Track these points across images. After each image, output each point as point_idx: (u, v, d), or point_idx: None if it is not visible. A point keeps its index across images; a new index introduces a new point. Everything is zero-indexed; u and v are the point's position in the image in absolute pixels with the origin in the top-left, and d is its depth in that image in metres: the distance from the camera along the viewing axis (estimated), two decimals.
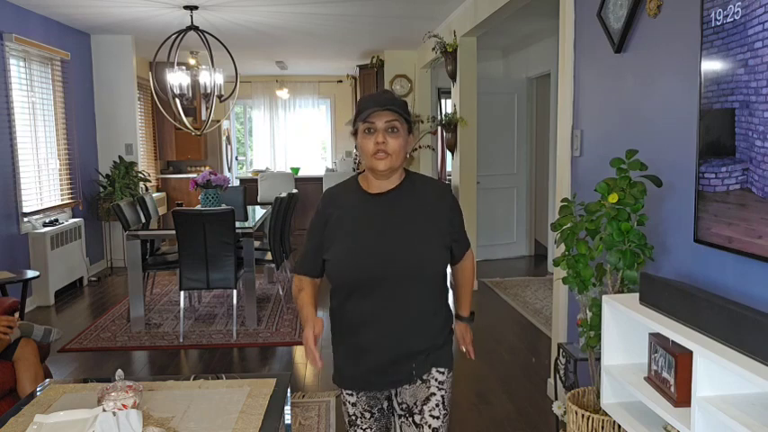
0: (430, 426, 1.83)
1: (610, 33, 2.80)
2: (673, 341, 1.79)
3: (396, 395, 1.91)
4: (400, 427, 1.92)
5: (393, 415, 1.97)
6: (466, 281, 2.05)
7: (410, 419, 1.86)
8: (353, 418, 1.95)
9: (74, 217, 6.50)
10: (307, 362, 4.25)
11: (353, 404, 1.94)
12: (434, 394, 1.85)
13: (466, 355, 2.06)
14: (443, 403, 1.86)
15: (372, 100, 1.75)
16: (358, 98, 9.44)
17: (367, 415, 1.93)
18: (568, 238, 2.35)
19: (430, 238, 1.79)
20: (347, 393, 1.94)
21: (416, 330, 1.83)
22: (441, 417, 1.84)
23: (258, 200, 9.39)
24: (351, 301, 1.84)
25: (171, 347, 4.56)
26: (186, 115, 6.53)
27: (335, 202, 1.86)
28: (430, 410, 1.84)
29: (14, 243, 5.39)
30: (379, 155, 1.72)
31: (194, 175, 6.38)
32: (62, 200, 6.35)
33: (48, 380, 2.44)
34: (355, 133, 1.80)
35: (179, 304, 4.95)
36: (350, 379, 1.91)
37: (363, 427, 1.94)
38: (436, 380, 1.86)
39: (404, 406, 1.88)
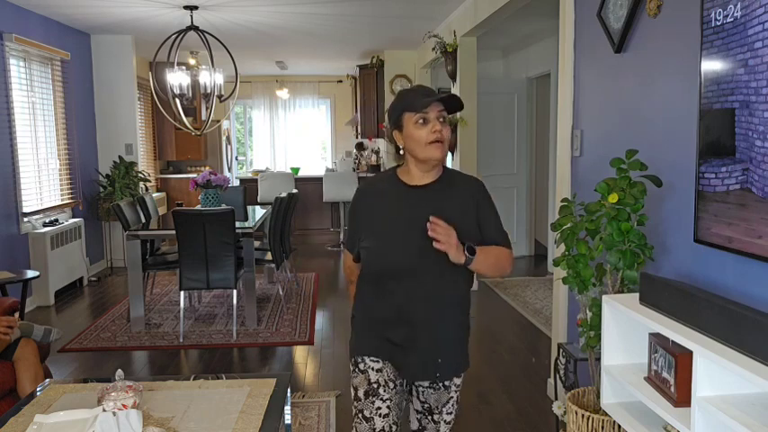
0: (446, 421, 1.99)
1: (610, 33, 2.80)
2: (673, 341, 1.79)
3: (418, 393, 1.99)
4: (419, 420, 2.00)
5: (409, 402, 2.03)
6: (499, 256, 1.91)
7: (430, 417, 1.99)
8: (375, 385, 1.88)
9: (74, 217, 6.50)
10: (307, 362, 4.25)
11: (378, 370, 1.89)
12: (452, 397, 2.00)
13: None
14: (456, 401, 2.02)
15: (421, 92, 1.84)
16: (359, 97, 9.43)
17: (391, 384, 1.90)
18: (568, 238, 2.35)
19: (465, 231, 1.83)
20: (372, 360, 1.89)
21: (443, 323, 1.89)
22: (453, 413, 2.02)
23: (258, 200, 9.38)
24: (381, 287, 1.88)
25: (171, 347, 4.56)
26: (186, 115, 6.53)
27: (374, 191, 1.96)
28: (447, 410, 1.99)
29: (14, 243, 5.39)
30: (437, 143, 1.80)
31: (194, 175, 6.38)
32: (62, 200, 6.35)
33: (48, 380, 2.44)
34: (399, 128, 1.85)
35: (179, 304, 4.95)
36: (378, 349, 1.90)
37: (384, 397, 1.88)
38: (456, 385, 1.99)
39: (426, 406, 1.99)
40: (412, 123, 1.81)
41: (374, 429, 1.87)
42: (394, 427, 1.91)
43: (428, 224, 1.75)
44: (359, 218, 1.94)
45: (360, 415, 1.90)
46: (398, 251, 1.84)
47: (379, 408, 1.88)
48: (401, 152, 1.90)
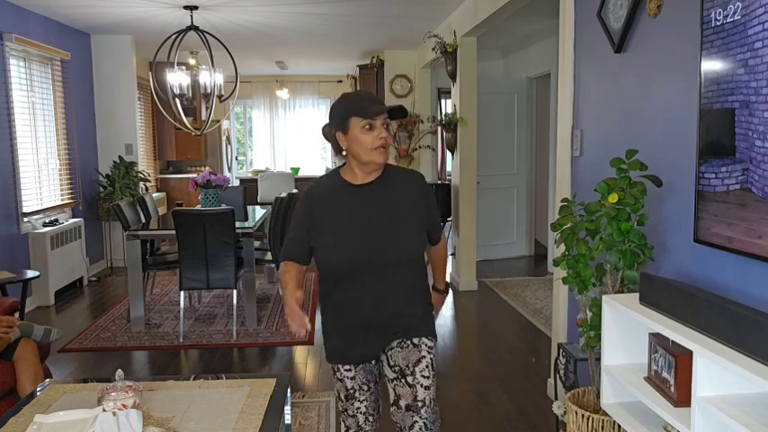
0: (422, 385, 1.98)
1: (610, 33, 2.80)
2: (673, 341, 1.79)
3: (387, 360, 2.04)
4: (394, 389, 2.03)
5: (384, 377, 2.11)
6: (440, 260, 2.29)
7: (403, 381, 2.00)
8: (352, 391, 2.11)
9: (74, 217, 6.50)
10: (307, 362, 4.25)
11: (352, 378, 2.10)
12: (425, 357, 2.01)
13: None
14: (431, 365, 2.03)
15: (368, 99, 1.93)
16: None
17: (365, 387, 2.12)
18: (568, 238, 2.35)
19: (411, 223, 1.98)
20: (345, 369, 2.09)
21: (403, 310, 2.02)
22: (430, 377, 2.01)
23: (258, 200, 9.39)
24: (340, 285, 2.00)
25: (171, 347, 4.56)
26: (186, 115, 6.53)
27: (321, 193, 2.02)
28: (421, 371, 2.00)
29: (14, 243, 5.39)
30: (381, 149, 1.91)
31: (194, 175, 6.38)
32: (62, 200, 6.35)
33: (48, 380, 2.44)
34: (344, 130, 1.93)
35: (179, 304, 4.95)
36: (347, 355, 2.08)
37: (361, 399, 2.12)
38: (426, 345, 2.04)
39: (396, 369, 2.02)
40: (359, 128, 1.90)
41: (358, 424, 2.14)
42: (375, 415, 2.16)
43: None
44: (309, 219, 2.00)
45: (345, 413, 2.16)
46: (354, 246, 1.94)
47: (359, 407, 2.13)
48: (343, 153, 1.98)
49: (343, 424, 2.18)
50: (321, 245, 1.98)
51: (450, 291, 2.25)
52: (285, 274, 2.06)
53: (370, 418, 2.15)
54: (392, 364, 2.03)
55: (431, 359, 2.03)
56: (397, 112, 1.92)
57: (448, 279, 2.27)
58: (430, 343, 2.05)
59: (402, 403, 1.99)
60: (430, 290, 2.19)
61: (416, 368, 1.99)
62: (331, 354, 2.12)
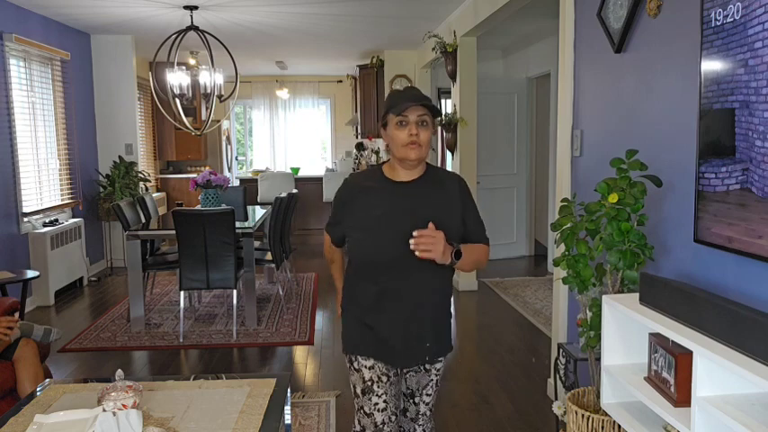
0: (425, 402, 2.14)
1: (610, 33, 2.80)
2: (673, 341, 1.79)
3: (405, 379, 2.12)
4: (402, 402, 2.16)
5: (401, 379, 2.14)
6: (479, 251, 2.05)
7: (411, 400, 2.15)
8: (370, 383, 2.00)
9: (74, 217, 6.50)
10: (307, 362, 4.25)
11: (370, 368, 2.01)
12: (432, 380, 2.12)
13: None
14: (436, 383, 2.15)
15: (406, 95, 1.93)
16: (359, 97, 9.45)
17: (384, 378, 2.01)
18: (568, 238, 2.35)
19: (447, 225, 1.92)
20: (363, 358, 2.02)
21: (426, 311, 2.00)
22: (433, 394, 2.14)
23: (258, 200, 9.39)
24: (369, 278, 1.99)
25: (171, 347, 4.56)
26: (186, 115, 6.53)
27: (361, 185, 2.03)
28: (426, 392, 2.13)
29: (14, 243, 5.39)
30: (412, 145, 1.89)
31: (194, 175, 6.38)
32: (62, 200, 6.35)
33: (48, 380, 2.44)
34: (385, 126, 1.96)
35: (179, 304, 4.95)
36: (366, 346, 2.02)
37: (380, 393, 2.00)
38: (436, 369, 2.12)
39: (409, 391, 2.14)
40: (393, 124, 1.92)
41: (375, 423, 2.00)
42: (393, 417, 2.03)
43: (411, 240, 1.81)
44: (346, 209, 2.02)
45: (361, 411, 2.04)
46: (386, 243, 1.93)
47: (377, 403, 2.00)
48: (386, 148, 2.01)
49: (357, 423, 2.05)
50: (354, 236, 1.99)
51: (480, 258, 2.07)
52: (332, 263, 2.22)
53: (392, 418, 2.01)
54: (407, 385, 2.14)
55: (437, 379, 2.14)
56: (433, 108, 1.92)
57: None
58: (439, 365, 2.13)
59: (408, 416, 2.18)
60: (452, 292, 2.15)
61: (424, 390, 2.13)
62: (348, 344, 2.06)
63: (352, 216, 1.99)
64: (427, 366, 2.10)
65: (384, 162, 2.06)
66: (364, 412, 2.01)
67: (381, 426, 1.99)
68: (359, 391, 2.03)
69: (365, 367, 2.01)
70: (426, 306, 2.00)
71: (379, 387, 1.99)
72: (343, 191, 2.05)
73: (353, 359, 2.04)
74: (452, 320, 2.21)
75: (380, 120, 1.99)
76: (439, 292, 2.03)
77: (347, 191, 2.04)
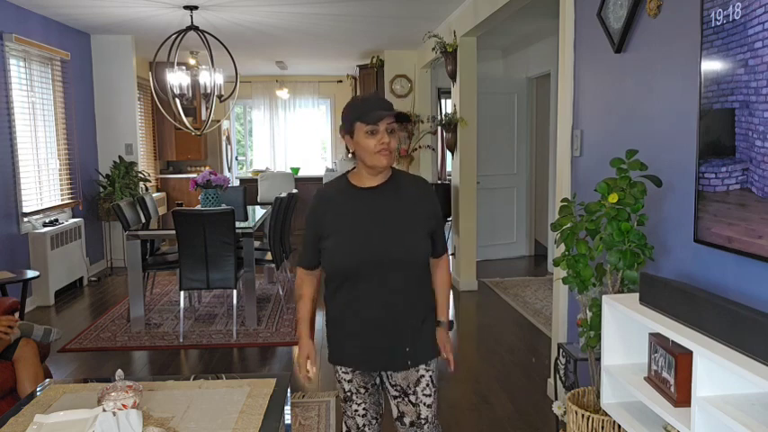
0: (425, 403, 2.06)
1: (610, 33, 2.80)
2: (673, 341, 1.79)
3: (388, 377, 2.09)
4: (397, 406, 2.12)
5: (385, 392, 2.15)
6: (444, 281, 2.17)
7: (406, 399, 2.08)
8: (349, 394, 2.11)
9: (74, 217, 6.50)
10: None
11: (349, 381, 2.10)
12: (423, 376, 2.06)
13: (447, 366, 2.13)
14: (432, 382, 2.08)
15: (374, 104, 1.94)
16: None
17: (362, 390, 2.11)
18: (568, 238, 2.35)
19: (415, 227, 1.99)
20: (343, 371, 2.10)
21: (405, 313, 2.01)
22: (432, 394, 2.08)
23: (258, 200, 9.39)
24: (344, 287, 2.01)
25: (171, 347, 4.56)
26: (186, 115, 6.53)
27: (329, 197, 2.04)
28: (422, 390, 2.06)
29: (14, 243, 5.39)
30: (384, 152, 1.91)
31: (194, 175, 6.38)
32: (62, 200, 6.35)
33: (48, 380, 2.44)
34: (349, 134, 1.96)
35: (179, 304, 4.95)
36: (346, 357, 2.08)
37: (358, 402, 2.11)
38: (424, 367, 2.07)
39: (397, 388, 2.08)
40: (362, 133, 1.92)
41: (357, 426, 2.13)
42: (374, 422, 2.14)
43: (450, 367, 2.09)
44: (319, 222, 2.01)
45: (346, 413, 2.16)
46: (357, 250, 1.95)
47: (357, 410, 2.12)
48: (350, 155, 2.03)
49: (344, 424, 2.18)
50: (326, 246, 1.99)
51: (451, 291, 2.15)
52: (300, 299, 2.14)
53: (373, 422, 2.14)
54: (393, 383, 2.09)
55: (431, 376, 2.07)
56: (402, 116, 1.93)
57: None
58: (431, 363, 2.09)
59: (406, 420, 2.09)
60: (433, 301, 2.12)
61: (417, 387, 2.06)
62: (331, 354, 2.13)
63: (323, 227, 2.00)
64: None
65: (349, 171, 2.07)
66: (348, 415, 2.15)
67: (363, 427, 2.13)
68: (341, 397, 2.15)
69: (345, 380, 2.10)
70: (402, 310, 1.99)
71: (357, 397, 2.11)
72: (314, 208, 2.05)
73: (336, 369, 2.13)
74: (453, 321, 2.21)
75: (345, 128, 1.97)
76: (414, 296, 2.02)
77: (316, 206, 2.04)
